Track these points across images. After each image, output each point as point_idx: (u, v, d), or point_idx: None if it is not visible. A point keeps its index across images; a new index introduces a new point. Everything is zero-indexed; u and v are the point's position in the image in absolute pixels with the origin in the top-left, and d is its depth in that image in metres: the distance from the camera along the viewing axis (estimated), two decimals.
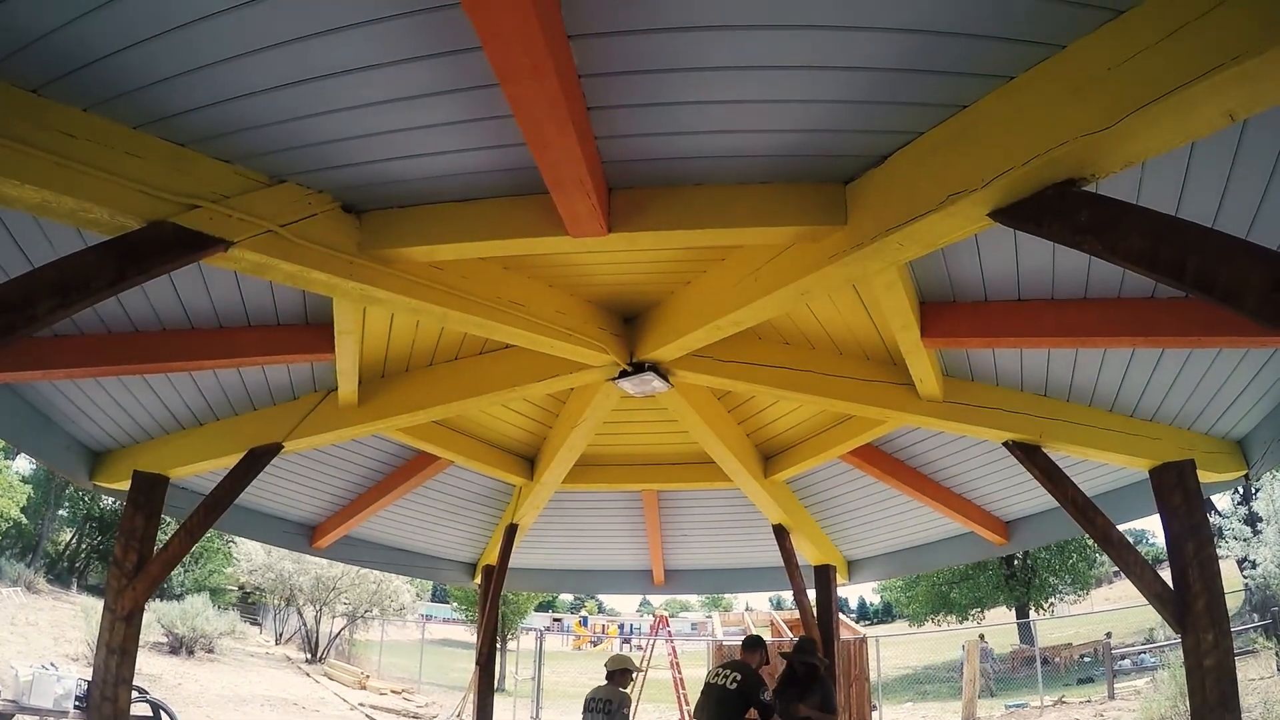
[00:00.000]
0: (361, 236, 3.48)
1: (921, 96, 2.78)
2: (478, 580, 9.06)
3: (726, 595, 45.94)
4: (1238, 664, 4.49)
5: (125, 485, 5.53)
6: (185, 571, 31.07)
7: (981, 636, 23.87)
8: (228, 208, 3.08)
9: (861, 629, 23.20)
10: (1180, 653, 4.61)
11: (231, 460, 5.31)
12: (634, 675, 6.77)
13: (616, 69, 2.65)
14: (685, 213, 3.29)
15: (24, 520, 27.70)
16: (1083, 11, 2.34)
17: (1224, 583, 4.61)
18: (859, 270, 3.33)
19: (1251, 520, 23.12)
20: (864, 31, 2.49)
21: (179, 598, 26.19)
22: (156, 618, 21.98)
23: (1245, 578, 23.22)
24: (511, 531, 7.46)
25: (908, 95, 2.77)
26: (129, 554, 5.19)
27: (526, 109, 2.46)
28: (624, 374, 4.69)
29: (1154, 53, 2.24)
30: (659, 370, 4.71)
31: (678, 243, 3.52)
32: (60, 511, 32.84)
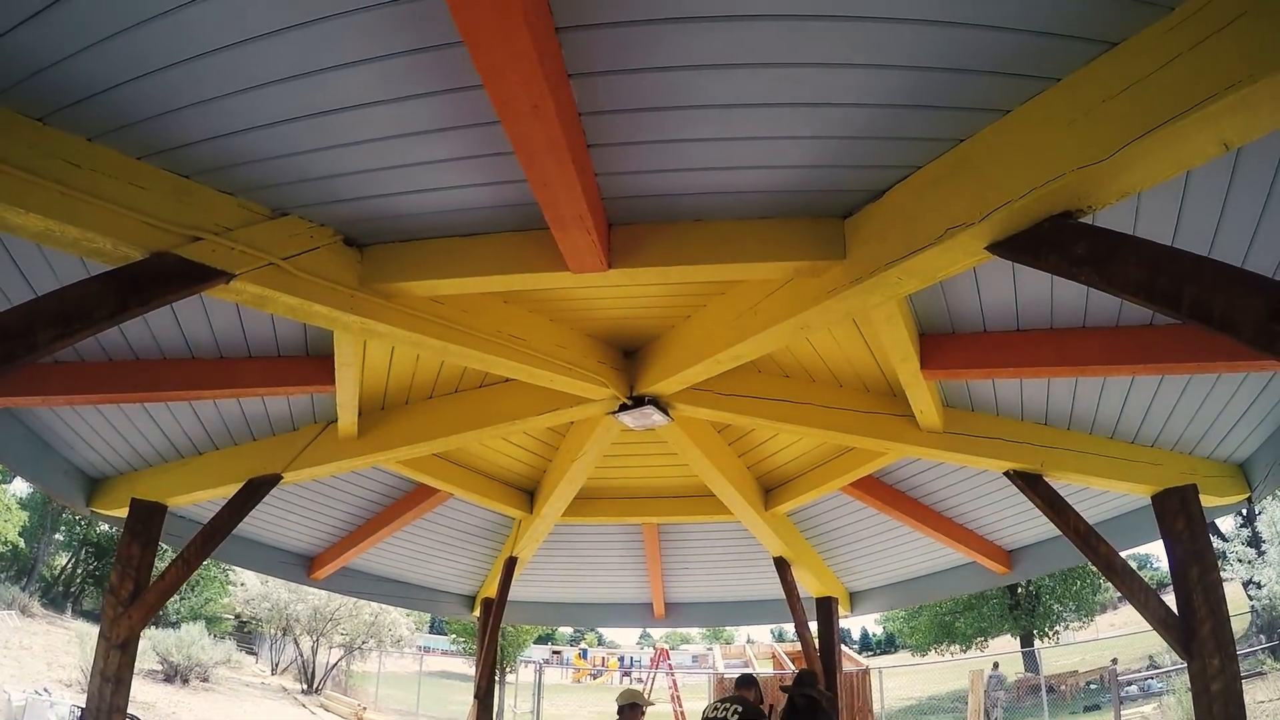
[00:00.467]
0: (363, 270, 3.49)
1: (919, 132, 2.80)
2: (476, 613, 8.98)
3: (728, 628, 45.57)
4: (1245, 687, 4.45)
5: (123, 513, 5.50)
6: (181, 599, 30.83)
7: (996, 665, 23.63)
8: (230, 240, 3.09)
9: (864, 660, 22.98)
10: (1187, 676, 4.56)
11: (230, 490, 5.29)
12: (644, 710, 6.69)
13: (617, 107, 2.67)
14: (685, 248, 3.31)
15: (20, 543, 27.54)
16: (1078, 44, 2.37)
17: (1229, 605, 4.58)
18: (858, 304, 3.34)
19: (1255, 542, 23.00)
20: (862, 69, 2.52)
21: (174, 625, 25.99)
22: (151, 645, 21.80)
23: (1251, 599, 23.06)
24: (511, 564, 7.40)
25: (905, 130, 2.80)
26: (125, 582, 5.15)
27: (527, 147, 2.48)
28: (624, 407, 4.68)
29: (1148, 84, 2.26)
30: (659, 404, 4.70)
31: (677, 278, 3.53)
32: (56, 535, 32.66)
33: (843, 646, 8.56)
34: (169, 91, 2.60)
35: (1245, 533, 23.61)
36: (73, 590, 32.24)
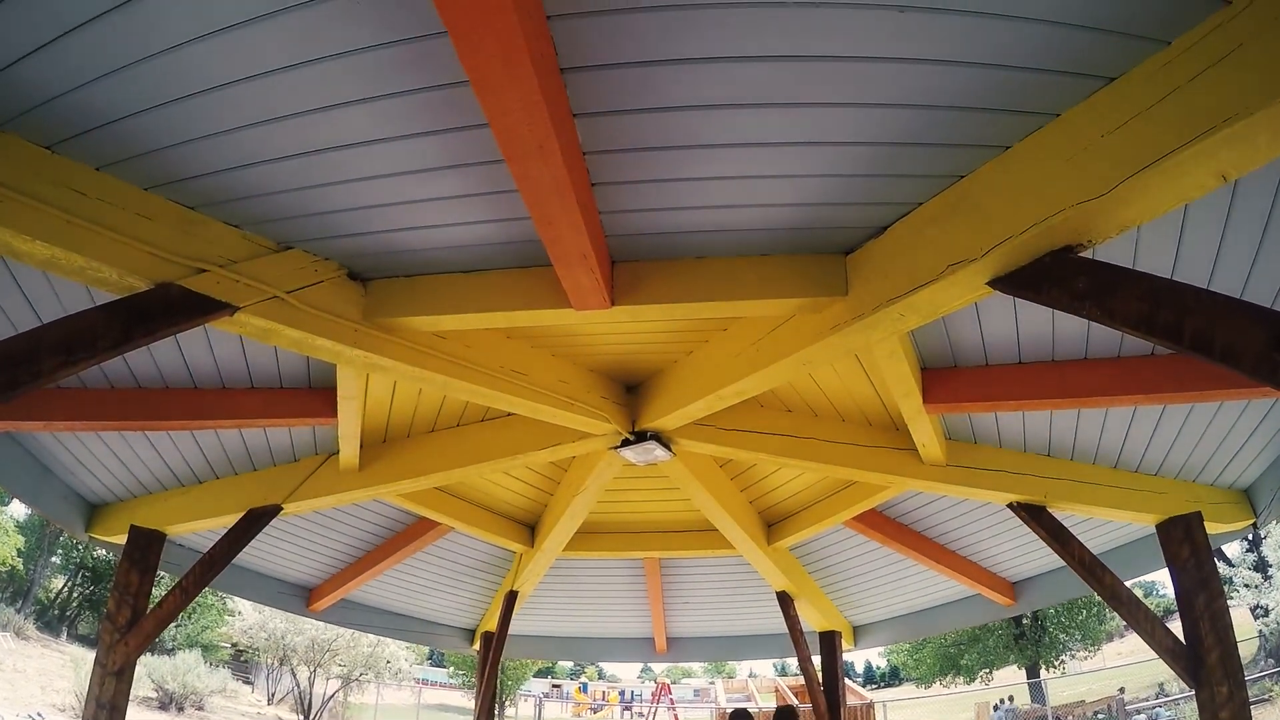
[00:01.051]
0: (366, 304, 3.50)
1: (920, 168, 2.82)
2: (476, 646, 8.89)
3: (730, 662, 45.04)
4: (1253, 713, 4.39)
5: (122, 539, 5.47)
6: (177, 627, 30.58)
7: (1010, 698, 23.31)
8: (235, 273, 3.10)
9: (868, 694, 22.69)
10: (1196, 704, 4.51)
11: (230, 520, 5.26)
12: None
13: (620, 146, 2.69)
14: (687, 285, 3.32)
15: (18, 565, 27.37)
16: (1076, 80, 2.39)
17: (1237, 630, 4.55)
18: (860, 340, 3.34)
19: (1261, 566, 22.79)
20: (861, 108, 2.54)
21: (170, 653, 25.76)
22: (147, 672, 21.62)
23: (1259, 624, 22.79)
24: (511, 598, 7.33)
25: (906, 168, 2.81)
26: (122, 609, 5.12)
27: (532, 185, 2.50)
28: (626, 443, 4.66)
29: (1146, 118, 2.27)
30: (661, 439, 4.69)
31: (680, 314, 3.52)
32: (53, 559, 32.47)
33: (846, 680, 8.46)
34: (177, 124, 2.62)
35: (1251, 558, 23.43)
36: (68, 614, 31.98)
